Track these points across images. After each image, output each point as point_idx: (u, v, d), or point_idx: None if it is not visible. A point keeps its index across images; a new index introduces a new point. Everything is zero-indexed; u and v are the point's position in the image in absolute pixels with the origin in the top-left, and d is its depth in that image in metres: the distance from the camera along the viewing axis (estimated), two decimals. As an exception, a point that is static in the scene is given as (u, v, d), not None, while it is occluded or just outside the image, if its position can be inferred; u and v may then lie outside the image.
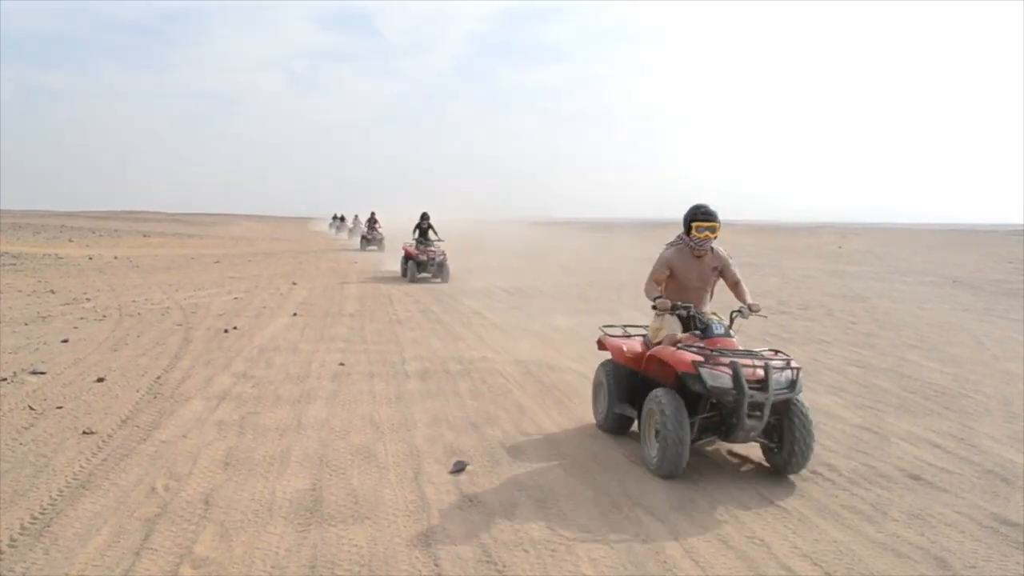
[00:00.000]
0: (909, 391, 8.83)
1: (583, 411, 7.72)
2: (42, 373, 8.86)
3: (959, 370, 10.04)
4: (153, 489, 5.40)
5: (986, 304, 17.82)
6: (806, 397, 8.47)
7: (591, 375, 9.37)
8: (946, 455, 6.50)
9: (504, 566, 4.31)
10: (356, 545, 4.55)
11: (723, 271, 6.62)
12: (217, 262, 29.43)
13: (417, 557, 4.41)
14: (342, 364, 9.79)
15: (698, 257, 6.55)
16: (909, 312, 16.12)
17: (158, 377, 8.87)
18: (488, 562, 4.36)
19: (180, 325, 12.79)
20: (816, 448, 5.92)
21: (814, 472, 5.98)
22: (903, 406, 8.15)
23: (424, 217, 23.18)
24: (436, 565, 4.31)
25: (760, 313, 6.45)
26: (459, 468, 5.89)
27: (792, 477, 5.85)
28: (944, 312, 16.24)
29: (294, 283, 20.74)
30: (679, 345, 6.09)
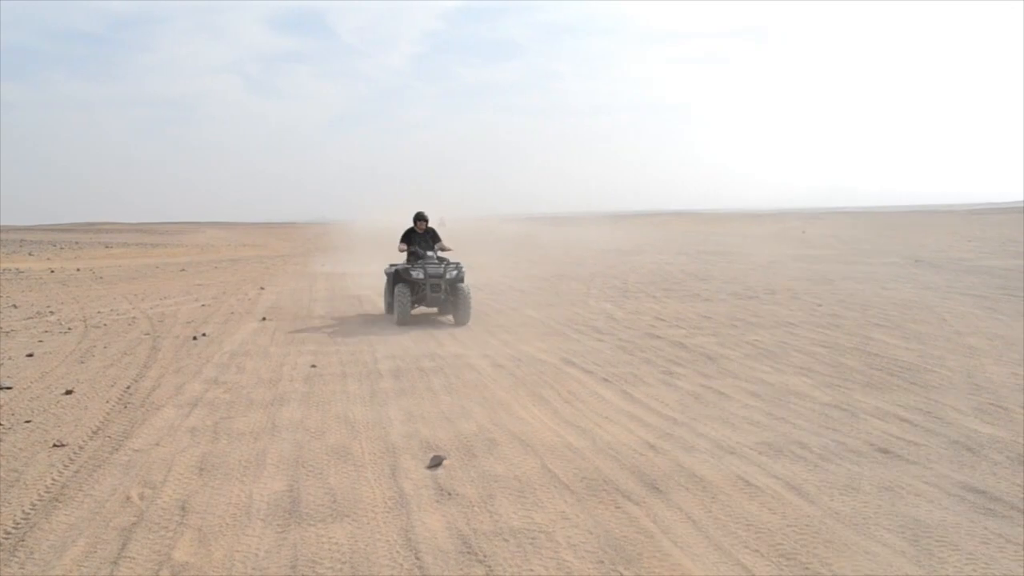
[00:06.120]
0: (875, 368, 8.99)
1: (557, 402, 7.77)
2: (8, 388, 8.74)
3: (923, 346, 10.23)
4: (128, 498, 5.35)
5: (948, 282, 18.15)
6: (774, 377, 8.60)
7: (564, 367, 9.46)
8: (913, 428, 6.64)
9: (485, 556, 4.34)
10: (337, 543, 4.56)
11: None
12: (183, 270, 29.13)
13: (398, 552, 4.42)
14: (314, 366, 9.75)
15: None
16: (873, 292, 16.38)
17: (128, 387, 8.77)
18: (469, 553, 4.38)
19: (148, 334, 12.66)
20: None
21: (788, 450, 6.08)
22: (870, 383, 8.29)
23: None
24: (417, 559, 4.33)
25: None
26: (436, 463, 5.91)
27: (765, 457, 5.94)
28: (907, 291, 16.52)
29: (262, 288, 20.60)
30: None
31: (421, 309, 14.25)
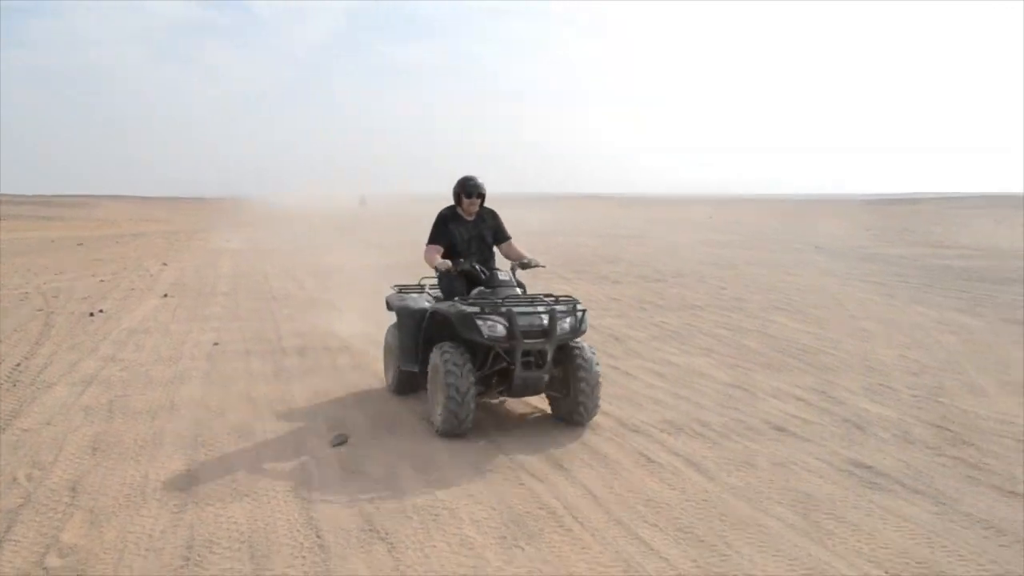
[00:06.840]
0: (775, 350, 9.28)
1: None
2: None
3: (821, 330, 10.61)
4: (15, 479, 5.13)
5: (846, 268, 18.86)
6: (679, 358, 8.79)
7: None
8: (808, 407, 6.89)
9: (387, 533, 4.31)
10: (235, 522, 4.46)
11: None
12: (80, 244, 27.97)
13: (299, 530, 4.36)
14: (216, 344, 9.51)
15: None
16: (776, 277, 16.89)
17: (17, 364, 8.39)
18: (371, 531, 4.35)
19: (41, 310, 12.12)
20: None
21: (689, 428, 6.22)
22: (770, 364, 8.56)
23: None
24: (319, 536, 4.27)
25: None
26: (340, 441, 5.84)
27: (667, 435, 6.07)
28: (808, 277, 17.09)
29: (164, 264, 19.96)
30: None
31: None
